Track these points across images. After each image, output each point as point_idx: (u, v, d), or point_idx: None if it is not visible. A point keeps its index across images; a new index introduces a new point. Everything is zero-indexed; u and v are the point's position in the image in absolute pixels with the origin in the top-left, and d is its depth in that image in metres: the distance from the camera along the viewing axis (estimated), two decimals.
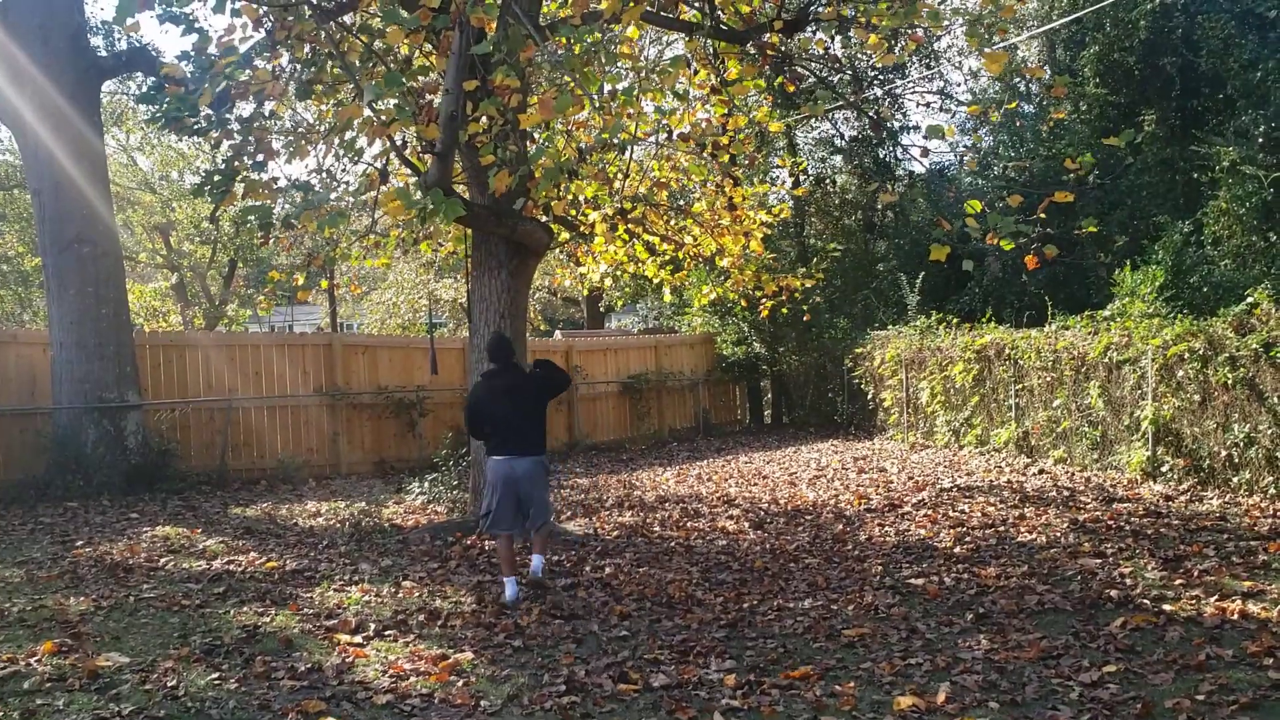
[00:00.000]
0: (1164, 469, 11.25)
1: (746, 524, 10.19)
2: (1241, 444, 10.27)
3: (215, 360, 13.86)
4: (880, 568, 8.04)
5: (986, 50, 8.39)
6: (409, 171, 9.96)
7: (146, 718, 4.90)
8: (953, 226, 7.79)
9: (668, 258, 13.71)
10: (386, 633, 6.43)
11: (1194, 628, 6.05)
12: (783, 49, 9.85)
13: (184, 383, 13.57)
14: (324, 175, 10.45)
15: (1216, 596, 6.63)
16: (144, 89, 19.18)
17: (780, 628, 6.49)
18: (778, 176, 22.81)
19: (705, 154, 11.57)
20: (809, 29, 10.74)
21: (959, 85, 24.01)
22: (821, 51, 12.00)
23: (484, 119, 7.72)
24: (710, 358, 21.03)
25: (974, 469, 13.34)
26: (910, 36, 9.16)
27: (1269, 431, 9.98)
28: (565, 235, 12.24)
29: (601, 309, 29.05)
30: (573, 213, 11.15)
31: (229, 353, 14.13)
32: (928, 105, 26.83)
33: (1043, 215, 7.68)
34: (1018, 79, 22.37)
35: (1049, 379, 13.31)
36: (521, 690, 5.36)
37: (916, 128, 24.71)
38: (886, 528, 9.70)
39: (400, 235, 12.36)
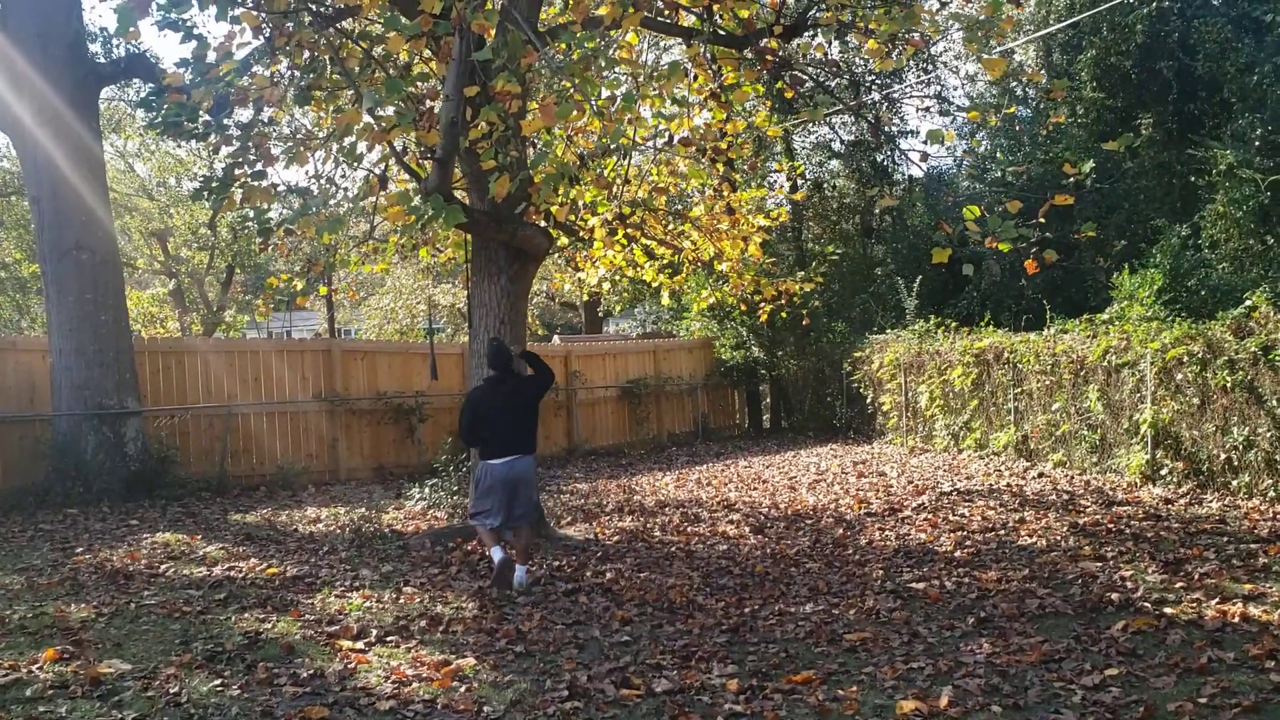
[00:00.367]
0: (1163, 472, 11.27)
1: (747, 529, 10.19)
2: (1240, 447, 10.29)
3: (214, 366, 13.87)
4: (881, 572, 8.04)
5: (985, 56, 8.40)
6: (408, 177, 9.97)
7: None
8: (953, 230, 7.80)
9: (666, 262, 13.73)
10: (388, 638, 6.42)
11: (1195, 631, 6.05)
12: (781, 54, 9.87)
13: (183, 389, 13.57)
14: (323, 181, 10.46)
15: (1217, 599, 6.64)
16: (142, 95, 19.22)
17: (782, 632, 6.49)
18: (775, 181, 22.83)
19: (705, 159, 11.59)
20: (807, 34, 10.76)
21: (956, 89, 24.05)
22: (821, 57, 12.01)
23: (484, 124, 7.73)
24: (709, 362, 21.04)
25: (973, 473, 13.35)
26: (909, 42, 9.15)
27: (1268, 434, 10.00)
28: (564, 240, 12.25)
29: (600, 314, 29.06)
30: (572, 217, 11.16)
31: (228, 359, 14.13)
32: (926, 110, 26.86)
33: (1042, 219, 7.69)
34: (1014, 83, 22.42)
35: (1048, 383, 13.33)
36: (524, 696, 5.36)
37: (915, 132, 24.77)
38: (887, 532, 9.70)
39: (399, 241, 12.37)
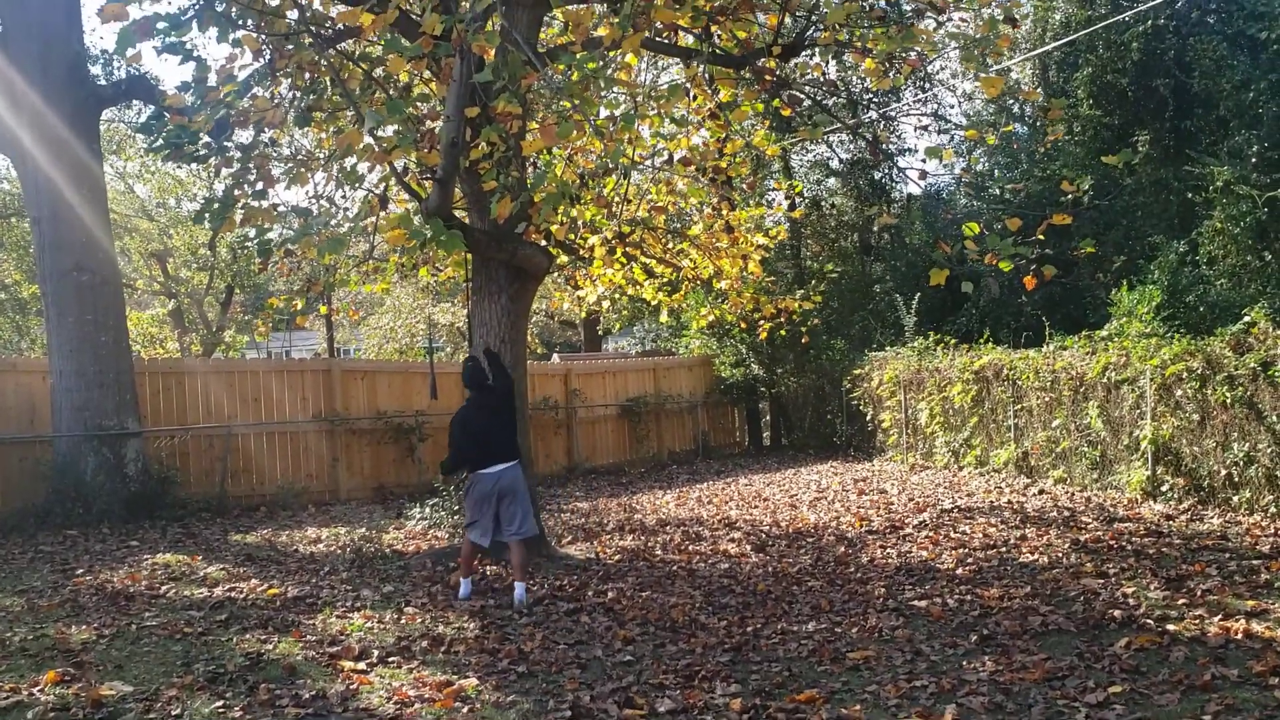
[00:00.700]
0: (1164, 488, 11.26)
1: (748, 547, 10.18)
2: (1241, 463, 10.29)
3: (214, 387, 13.87)
4: (883, 590, 8.03)
5: (983, 75, 8.45)
6: (409, 197, 10.00)
7: None
8: (951, 249, 7.83)
9: (665, 280, 13.75)
10: (390, 659, 6.41)
11: (1198, 647, 6.04)
12: (779, 74, 9.92)
13: (183, 410, 13.56)
14: (324, 202, 10.49)
15: (1220, 616, 6.63)
16: (143, 116, 19.28)
17: (785, 651, 6.48)
18: (774, 199, 22.91)
19: (704, 178, 11.63)
20: (805, 54, 10.82)
21: (953, 108, 24.13)
22: (818, 76, 12.07)
23: (485, 145, 7.77)
24: (709, 380, 21.04)
25: (974, 490, 13.35)
26: (906, 61, 9.21)
27: (1268, 450, 10.00)
28: (564, 259, 12.28)
29: (599, 332, 29.08)
30: (571, 236, 11.19)
31: (228, 379, 14.13)
32: (924, 128, 26.96)
33: (1041, 236, 7.72)
34: (1011, 100, 22.53)
35: (1047, 399, 13.34)
36: (526, 716, 5.35)
37: (913, 150, 24.87)
38: (888, 549, 9.69)
39: (399, 260, 12.40)
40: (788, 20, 9.41)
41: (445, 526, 11.21)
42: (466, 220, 9.68)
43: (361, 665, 6.24)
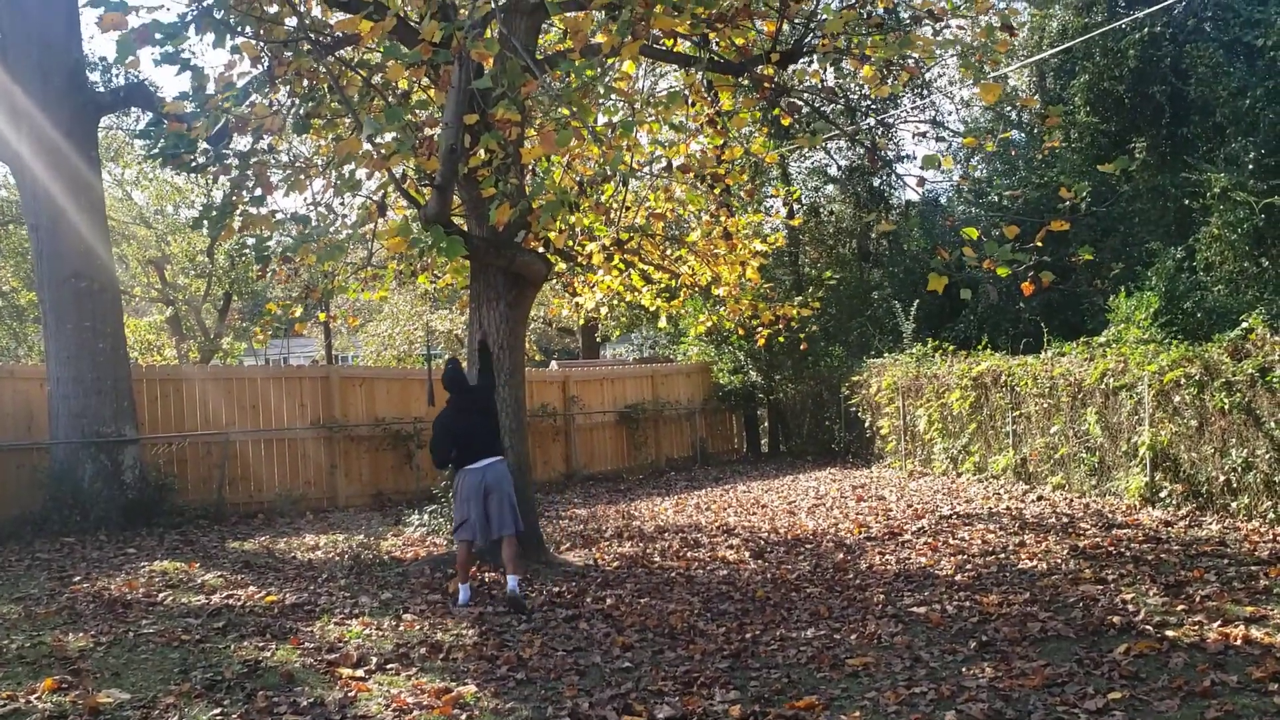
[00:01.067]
0: (1162, 494, 11.26)
1: (747, 553, 10.17)
2: (1239, 469, 10.29)
3: (212, 394, 13.86)
4: (882, 596, 8.02)
5: (982, 81, 8.47)
6: (407, 204, 10.00)
7: None
8: (950, 255, 7.84)
9: (664, 286, 13.75)
10: (388, 666, 6.39)
11: (1198, 654, 6.04)
12: (777, 80, 9.94)
13: (181, 417, 13.55)
14: (322, 209, 10.49)
15: (1219, 622, 6.62)
16: (141, 124, 19.30)
17: (784, 658, 6.47)
18: (772, 206, 22.93)
19: (702, 185, 11.64)
20: (803, 60, 10.84)
21: (951, 114, 24.21)
22: (817, 83, 12.08)
23: (484, 152, 7.77)
24: (707, 387, 21.04)
25: (973, 496, 13.34)
26: (903, 67, 9.23)
27: (1266, 456, 10.01)
28: (562, 266, 12.28)
29: (597, 339, 29.09)
30: (570, 243, 11.20)
31: (225, 386, 14.12)
32: (922, 135, 27.01)
33: (1039, 244, 7.73)
34: (1009, 108, 22.56)
35: (1046, 406, 13.34)
36: None
37: (911, 157, 24.89)
38: (887, 556, 9.69)
39: (398, 268, 12.40)
40: (786, 27, 9.42)
41: (444, 533, 11.20)
42: (465, 227, 9.69)
43: (360, 672, 6.23)
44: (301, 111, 9.05)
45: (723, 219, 12.72)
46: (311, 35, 8.47)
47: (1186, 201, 18.96)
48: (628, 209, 12.19)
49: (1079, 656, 6.11)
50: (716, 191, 11.93)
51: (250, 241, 8.37)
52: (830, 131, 15.54)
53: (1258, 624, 6.56)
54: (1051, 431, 13.21)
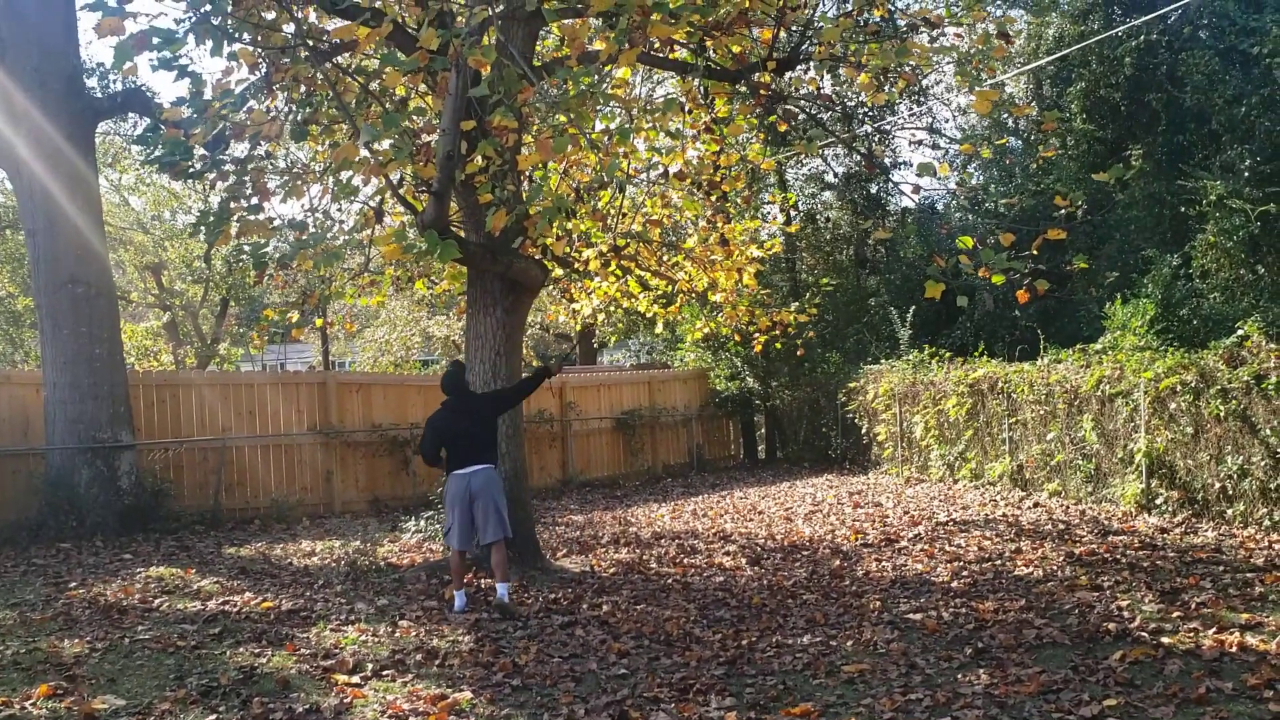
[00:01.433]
0: (1158, 501, 11.28)
1: (743, 560, 10.17)
2: (1235, 476, 10.30)
3: (209, 399, 13.85)
4: (878, 603, 8.02)
5: (977, 89, 8.49)
6: (404, 210, 10.01)
7: None
8: (946, 262, 7.86)
9: (660, 293, 13.77)
10: (384, 672, 6.39)
11: (1193, 661, 6.04)
12: (774, 88, 9.96)
13: (177, 422, 13.54)
14: (319, 215, 10.50)
15: (1215, 629, 6.63)
16: (138, 129, 19.27)
17: (780, 664, 6.47)
18: (769, 212, 22.96)
19: (699, 192, 11.66)
20: (800, 68, 10.86)
21: (947, 122, 24.27)
22: (813, 90, 12.11)
23: (481, 159, 7.78)
24: (703, 393, 21.05)
25: (969, 503, 13.35)
26: (900, 75, 9.26)
27: (1262, 463, 10.02)
28: (559, 272, 12.29)
29: (594, 345, 29.09)
30: (567, 250, 11.21)
31: (222, 392, 14.11)
32: (919, 142, 27.07)
33: (1035, 252, 7.75)
34: (1005, 115, 22.62)
35: (1042, 412, 13.36)
36: None
37: (908, 163, 24.98)
38: (883, 563, 9.69)
39: (395, 274, 12.41)
40: (782, 35, 9.44)
41: (440, 539, 11.19)
42: (462, 234, 9.70)
43: (355, 679, 6.23)
44: (299, 118, 9.04)
45: (719, 225, 12.74)
46: (309, 42, 8.47)
47: (1182, 209, 19.01)
48: (625, 215, 12.20)
49: (1074, 663, 6.12)
50: (713, 198, 11.95)
51: (247, 247, 8.36)
52: (827, 139, 15.56)
53: (1253, 631, 6.57)
54: (1048, 438, 13.22)
